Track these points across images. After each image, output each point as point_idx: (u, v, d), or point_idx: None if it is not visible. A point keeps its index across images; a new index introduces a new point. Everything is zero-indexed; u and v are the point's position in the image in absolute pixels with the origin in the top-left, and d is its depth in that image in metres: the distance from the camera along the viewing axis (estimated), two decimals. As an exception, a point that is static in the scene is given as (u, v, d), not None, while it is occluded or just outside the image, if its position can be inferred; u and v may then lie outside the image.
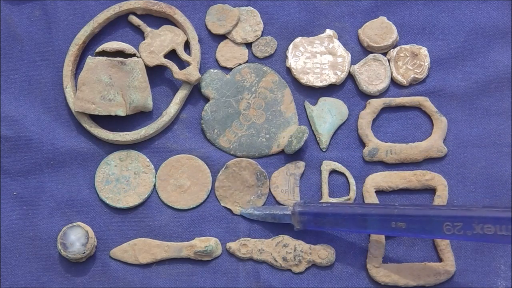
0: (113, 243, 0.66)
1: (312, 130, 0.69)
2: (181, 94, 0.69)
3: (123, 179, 0.67)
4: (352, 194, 0.67)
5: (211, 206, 0.67)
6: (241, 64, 0.70)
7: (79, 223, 0.66)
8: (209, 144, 0.69)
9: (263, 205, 0.67)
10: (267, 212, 0.65)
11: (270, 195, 0.67)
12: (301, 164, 0.67)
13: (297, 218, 0.63)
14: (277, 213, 0.65)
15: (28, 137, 0.68)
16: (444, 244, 0.65)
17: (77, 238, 0.64)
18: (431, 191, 0.67)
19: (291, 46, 0.70)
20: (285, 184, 0.67)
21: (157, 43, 0.69)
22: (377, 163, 0.68)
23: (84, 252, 0.64)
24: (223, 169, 0.67)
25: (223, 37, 0.71)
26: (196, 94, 0.70)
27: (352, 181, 0.67)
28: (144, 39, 0.70)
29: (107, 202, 0.67)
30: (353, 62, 0.70)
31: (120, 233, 0.67)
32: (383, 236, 0.65)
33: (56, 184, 0.67)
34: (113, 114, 0.67)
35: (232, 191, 0.67)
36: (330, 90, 0.69)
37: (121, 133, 0.68)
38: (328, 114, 0.68)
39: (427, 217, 0.59)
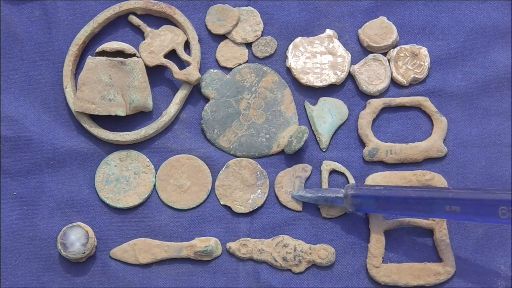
0: (113, 243, 0.66)
1: (312, 130, 0.69)
2: (181, 94, 0.69)
3: (123, 179, 0.67)
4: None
5: (211, 206, 0.67)
6: (241, 64, 0.70)
7: (79, 223, 0.66)
8: (209, 144, 0.69)
9: (314, 188, 0.67)
10: (319, 195, 0.65)
11: (270, 195, 0.67)
12: (309, 168, 0.67)
13: (349, 201, 0.64)
14: (330, 195, 0.65)
15: (28, 137, 0.68)
16: (444, 244, 0.65)
17: (77, 238, 0.64)
18: (431, 191, 0.67)
19: (291, 46, 0.70)
20: (290, 185, 0.67)
21: (157, 43, 0.69)
22: (377, 163, 0.68)
23: (84, 252, 0.64)
24: (223, 168, 0.67)
25: (223, 37, 0.71)
26: (196, 94, 0.70)
27: (352, 181, 0.67)
28: (144, 39, 0.70)
29: (107, 202, 0.67)
30: (353, 62, 0.70)
31: (120, 233, 0.67)
32: (383, 236, 0.65)
33: (56, 184, 0.67)
34: (113, 114, 0.67)
35: (232, 190, 0.67)
36: (330, 90, 0.69)
37: (121, 133, 0.68)
38: (328, 114, 0.68)
39: (481, 200, 0.58)
